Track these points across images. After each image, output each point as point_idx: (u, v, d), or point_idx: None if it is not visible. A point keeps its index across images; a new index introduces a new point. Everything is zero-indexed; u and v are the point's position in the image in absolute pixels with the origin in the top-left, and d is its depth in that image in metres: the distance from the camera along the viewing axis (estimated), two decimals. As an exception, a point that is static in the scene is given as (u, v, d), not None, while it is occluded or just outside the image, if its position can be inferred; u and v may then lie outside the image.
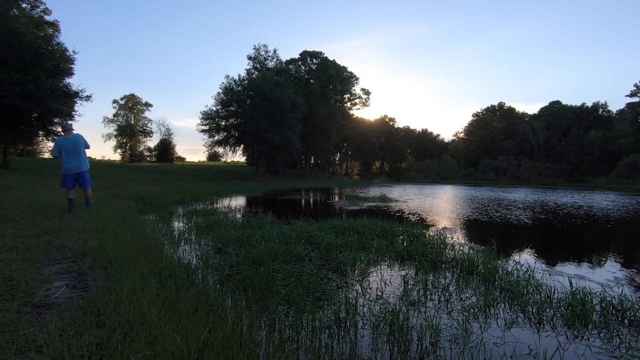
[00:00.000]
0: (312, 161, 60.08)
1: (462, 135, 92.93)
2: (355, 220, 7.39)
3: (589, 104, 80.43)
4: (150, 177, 31.64)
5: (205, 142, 47.82)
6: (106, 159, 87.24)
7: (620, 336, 2.82)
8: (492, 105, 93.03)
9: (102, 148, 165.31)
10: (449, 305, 3.32)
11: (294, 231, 6.23)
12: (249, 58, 48.69)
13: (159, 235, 5.86)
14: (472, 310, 3.18)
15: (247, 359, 2.01)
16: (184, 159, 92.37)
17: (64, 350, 1.85)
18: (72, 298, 2.63)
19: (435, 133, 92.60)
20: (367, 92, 63.31)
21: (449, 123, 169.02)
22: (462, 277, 4.23)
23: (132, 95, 76.02)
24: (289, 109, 40.20)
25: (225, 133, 43.72)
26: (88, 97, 25.82)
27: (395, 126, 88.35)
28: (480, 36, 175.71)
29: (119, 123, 75.35)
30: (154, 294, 2.62)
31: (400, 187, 36.68)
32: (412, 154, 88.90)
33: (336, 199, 18.48)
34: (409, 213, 11.95)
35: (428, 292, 3.61)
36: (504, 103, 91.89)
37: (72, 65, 24.82)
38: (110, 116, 75.39)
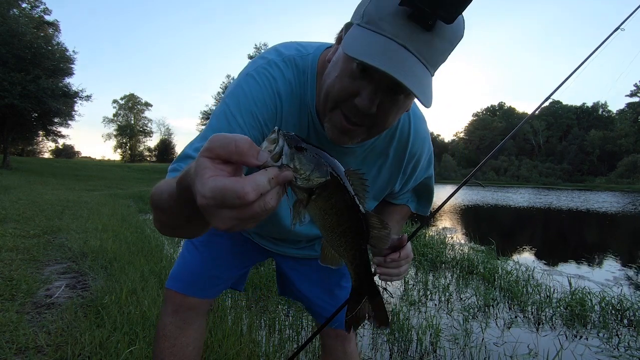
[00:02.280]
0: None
1: (462, 135, 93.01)
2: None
3: (589, 104, 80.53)
4: (150, 177, 31.67)
5: (205, 142, 47.64)
6: (106, 159, 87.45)
7: (619, 336, 2.82)
8: (492, 105, 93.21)
9: (102, 148, 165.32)
10: (448, 305, 3.32)
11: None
12: (250, 58, 48.79)
13: (159, 235, 5.86)
14: (471, 310, 3.18)
15: (247, 358, 2.01)
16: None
17: (64, 350, 1.85)
18: (72, 298, 2.63)
19: (435, 133, 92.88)
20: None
21: (449, 123, 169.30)
22: (462, 277, 4.24)
23: (132, 95, 76.16)
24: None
25: (225, 133, 43.82)
26: (88, 97, 25.88)
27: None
28: (480, 35, 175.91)
29: (119, 123, 75.45)
30: (154, 294, 2.63)
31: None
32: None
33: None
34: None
35: (428, 292, 3.62)
36: (504, 103, 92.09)
37: (72, 65, 24.88)
38: (110, 116, 75.57)
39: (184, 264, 1.12)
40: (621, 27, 1.07)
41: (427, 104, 0.64)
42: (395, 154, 0.95)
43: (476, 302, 3.36)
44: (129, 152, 76.65)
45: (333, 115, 0.73)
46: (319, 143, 0.86)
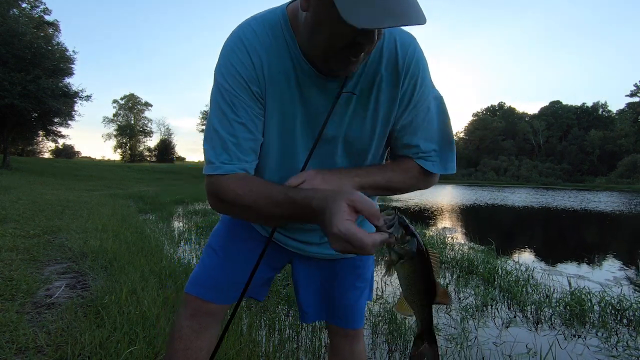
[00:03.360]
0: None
1: (462, 135, 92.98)
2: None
3: (589, 103, 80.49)
4: (150, 177, 31.71)
5: (205, 142, 47.82)
6: (106, 158, 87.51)
7: (619, 335, 2.83)
8: (492, 105, 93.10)
9: (102, 148, 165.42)
10: (448, 305, 3.33)
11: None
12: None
13: (159, 235, 5.87)
14: (470, 310, 3.19)
15: (247, 359, 2.01)
16: (183, 158, 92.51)
17: (64, 350, 1.86)
18: (72, 298, 2.63)
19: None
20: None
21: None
22: (461, 277, 4.24)
23: (132, 95, 76.17)
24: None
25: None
26: (88, 97, 25.90)
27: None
28: (480, 35, 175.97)
29: (119, 123, 75.44)
30: (154, 294, 2.63)
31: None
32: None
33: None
34: (409, 212, 11.96)
35: (427, 292, 3.62)
36: (504, 103, 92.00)
37: (72, 65, 24.90)
38: (110, 116, 75.57)
39: (203, 268, 1.12)
40: None
41: (424, 21, 0.65)
42: (387, 75, 0.89)
43: (475, 302, 3.37)
44: (129, 152, 76.62)
45: (338, 57, 0.76)
46: (310, 82, 0.86)
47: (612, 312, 3.26)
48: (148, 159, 77.22)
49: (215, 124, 0.84)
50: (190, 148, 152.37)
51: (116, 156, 78.16)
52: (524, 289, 3.71)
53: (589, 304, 3.30)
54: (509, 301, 3.46)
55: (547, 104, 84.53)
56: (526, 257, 5.84)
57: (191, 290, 1.09)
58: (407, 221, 0.66)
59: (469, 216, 12.72)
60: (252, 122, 0.85)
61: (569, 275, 4.54)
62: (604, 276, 4.78)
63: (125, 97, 75.60)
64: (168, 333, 1.11)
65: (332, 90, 0.87)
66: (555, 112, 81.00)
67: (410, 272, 0.67)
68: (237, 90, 0.83)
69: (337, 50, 0.74)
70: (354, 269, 1.15)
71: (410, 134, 0.95)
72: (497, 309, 3.29)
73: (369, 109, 0.91)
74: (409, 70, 0.90)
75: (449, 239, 6.51)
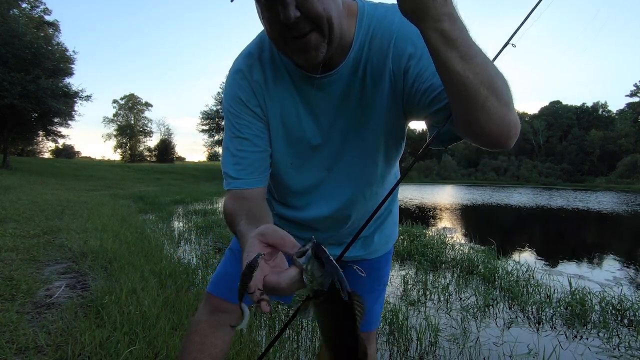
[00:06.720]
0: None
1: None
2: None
3: (589, 104, 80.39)
4: (150, 177, 31.69)
5: (205, 142, 48.02)
6: (106, 159, 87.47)
7: (620, 336, 2.82)
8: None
9: (102, 148, 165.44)
10: (448, 305, 3.32)
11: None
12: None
13: (159, 235, 5.86)
14: (471, 310, 3.18)
15: (247, 359, 2.01)
16: (184, 158, 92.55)
17: (64, 350, 1.85)
18: (72, 298, 2.63)
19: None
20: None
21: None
22: (461, 277, 4.24)
23: (132, 95, 76.11)
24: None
25: (226, 133, 44.21)
26: (88, 97, 25.87)
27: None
28: (479, 34, 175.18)
29: (119, 123, 75.38)
30: (154, 294, 2.63)
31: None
32: (411, 154, 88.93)
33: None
34: (409, 212, 11.95)
35: (428, 292, 3.62)
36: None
37: (72, 65, 24.89)
38: (110, 116, 75.52)
39: (224, 269, 1.18)
40: None
41: None
42: (376, 57, 0.84)
43: (476, 302, 3.36)
44: (129, 152, 76.54)
45: (287, 47, 0.78)
46: (304, 81, 0.89)
47: (613, 312, 3.26)
48: (148, 159, 77.12)
49: (227, 143, 0.96)
50: (190, 148, 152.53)
51: (116, 156, 78.14)
52: (525, 289, 3.71)
53: (590, 303, 3.29)
54: (509, 301, 3.46)
55: (547, 104, 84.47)
56: (526, 257, 5.83)
57: (211, 289, 1.16)
58: (325, 251, 0.51)
59: (469, 216, 12.72)
60: (256, 137, 0.94)
61: (570, 275, 4.53)
62: (604, 276, 4.77)
63: (125, 97, 75.57)
64: (186, 330, 1.16)
65: (328, 85, 0.89)
66: (555, 112, 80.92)
67: (321, 313, 0.52)
68: (239, 112, 0.93)
69: (284, 38, 0.76)
70: (371, 271, 1.17)
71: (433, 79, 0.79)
72: (498, 309, 3.29)
73: (366, 97, 0.89)
74: (402, 56, 0.82)
75: (449, 239, 6.51)
